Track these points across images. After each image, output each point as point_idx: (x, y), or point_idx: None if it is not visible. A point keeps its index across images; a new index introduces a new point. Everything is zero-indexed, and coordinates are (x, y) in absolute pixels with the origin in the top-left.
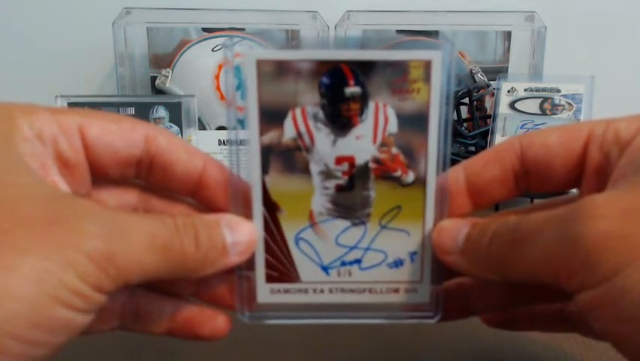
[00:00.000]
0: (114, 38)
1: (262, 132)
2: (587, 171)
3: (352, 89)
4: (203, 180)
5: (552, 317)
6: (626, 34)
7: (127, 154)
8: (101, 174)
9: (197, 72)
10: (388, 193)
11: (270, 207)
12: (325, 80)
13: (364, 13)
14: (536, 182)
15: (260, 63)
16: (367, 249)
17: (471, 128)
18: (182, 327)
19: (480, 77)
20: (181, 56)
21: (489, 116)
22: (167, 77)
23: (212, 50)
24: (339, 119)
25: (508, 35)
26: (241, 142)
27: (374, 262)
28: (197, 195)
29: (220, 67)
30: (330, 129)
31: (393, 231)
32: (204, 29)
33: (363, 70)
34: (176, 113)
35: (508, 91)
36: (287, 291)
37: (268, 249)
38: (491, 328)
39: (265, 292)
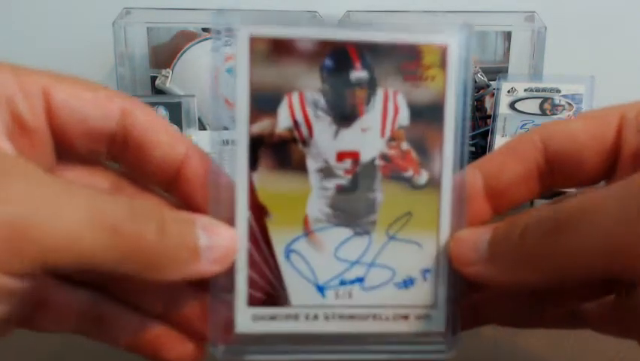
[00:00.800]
0: (114, 38)
1: (252, 120)
2: (623, 159)
3: (359, 74)
4: (183, 172)
5: (562, 315)
6: (626, 34)
7: (98, 126)
8: (67, 146)
9: (197, 72)
10: (397, 197)
11: (257, 211)
12: (328, 62)
13: (364, 13)
14: (562, 177)
15: (253, 40)
16: (372, 265)
17: (471, 128)
18: (146, 346)
19: (480, 77)
20: (181, 56)
21: (489, 117)
22: (167, 77)
23: None
24: (343, 108)
25: (508, 35)
26: (227, 142)
27: (379, 280)
28: (174, 189)
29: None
30: (331, 119)
31: (403, 242)
32: (204, 29)
33: (372, 52)
34: (176, 113)
35: (508, 91)
36: (273, 317)
37: (252, 263)
38: (493, 326)
39: (246, 319)
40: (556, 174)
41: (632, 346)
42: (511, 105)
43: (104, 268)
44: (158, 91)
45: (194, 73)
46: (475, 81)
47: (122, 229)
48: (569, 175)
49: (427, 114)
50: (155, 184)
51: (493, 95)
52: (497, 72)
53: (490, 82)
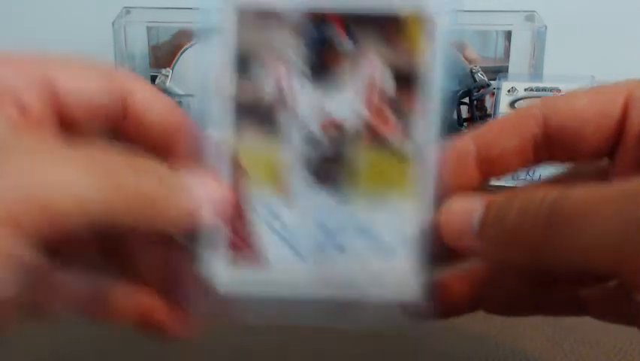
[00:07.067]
0: (114, 38)
1: (237, 88)
2: (627, 139)
3: (343, 44)
4: (177, 147)
5: (562, 301)
6: (626, 34)
7: (100, 108)
8: (70, 130)
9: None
10: (379, 165)
11: (239, 176)
12: (313, 32)
13: None
14: (561, 152)
15: (239, 11)
16: (351, 232)
17: (471, 128)
18: (141, 318)
19: (480, 76)
20: (181, 55)
21: (489, 116)
22: (167, 76)
23: None
24: (327, 78)
25: (508, 35)
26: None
27: (359, 248)
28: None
29: None
30: (315, 88)
31: (383, 211)
32: None
33: (356, 22)
34: None
35: (509, 90)
36: (253, 280)
37: (232, 227)
38: (490, 315)
39: (225, 280)
40: (556, 149)
41: (633, 344)
42: (512, 104)
43: (111, 222)
44: None
45: (194, 72)
46: (476, 80)
47: (126, 184)
48: (569, 150)
49: (411, 84)
50: (152, 157)
51: (493, 94)
52: (497, 71)
53: (491, 81)
